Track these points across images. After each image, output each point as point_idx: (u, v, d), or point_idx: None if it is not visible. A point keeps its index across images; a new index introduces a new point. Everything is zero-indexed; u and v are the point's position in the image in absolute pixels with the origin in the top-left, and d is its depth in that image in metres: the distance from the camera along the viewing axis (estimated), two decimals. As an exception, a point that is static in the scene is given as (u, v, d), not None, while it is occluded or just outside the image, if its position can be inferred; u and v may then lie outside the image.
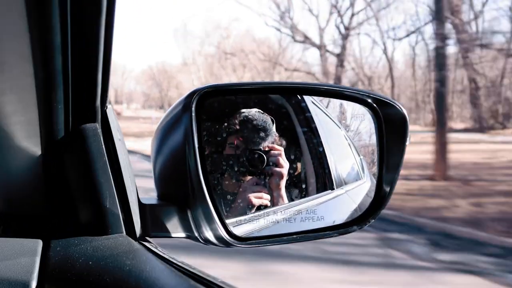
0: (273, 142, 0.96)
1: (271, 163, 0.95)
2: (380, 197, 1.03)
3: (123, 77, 73.29)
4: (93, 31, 0.74)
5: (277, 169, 0.96)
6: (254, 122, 0.95)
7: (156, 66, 67.41)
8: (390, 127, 1.00)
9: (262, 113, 0.96)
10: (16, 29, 0.70)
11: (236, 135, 0.94)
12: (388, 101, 0.99)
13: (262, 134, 0.95)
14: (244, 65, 46.93)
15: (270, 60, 43.60)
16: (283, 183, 0.97)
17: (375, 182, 1.09)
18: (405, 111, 0.97)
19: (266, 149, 0.95)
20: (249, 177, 0.95)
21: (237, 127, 0.95)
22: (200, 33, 55.34)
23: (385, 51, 40.21)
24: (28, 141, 0.87)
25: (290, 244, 0.95)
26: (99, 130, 0.87)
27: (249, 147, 0.94)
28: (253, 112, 0.96)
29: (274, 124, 0.97)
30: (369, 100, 1.00)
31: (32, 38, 0.70)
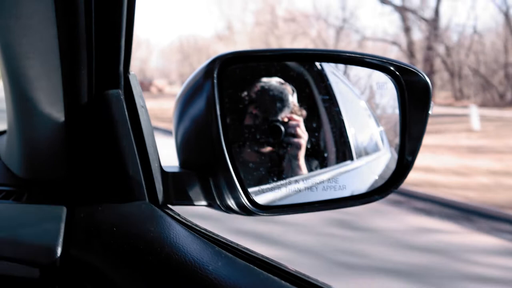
0: (292, 112, 0.96)
1: (289, 134, 0.95)
2: (402, 167, 1.02)
3: (147, 52, 67.73)
4: None
5: (295, 139, 0.96)
6: (271, 93, 0.95)
7: (186, 39, 61.40)
8: (413, 95, 0.99)
9: (283, 83, 0.96)
10: None
11: (254, 105, 0.94)
12: (411, 68, 0.98)
13: (279, 104, 0.95)
14: (305, 33, 41.65)
15: (336, 27, 39.05)
16: (301, 153, 0.97)
17: (394, 153, 1.09)
18: (428, 79, 0.96)
19: (285, 119, 0.95)
20: (268, 148, 0.95)
21: (255, 97, 0.95)
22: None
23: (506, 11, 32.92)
24: (51, 106, 0.87)
25: (312, 212, 0.95)
26: (122, 96, 0.87)
27: (268, 117, 0.94)
28: (271, 82, 0.95)
29: (295, 94, 0.97)
30: (392, 68, 0.99)
31: (56, 1, 0.70)
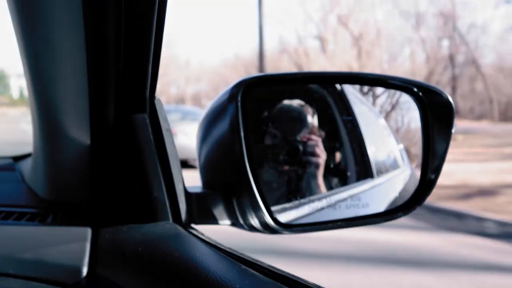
0: (311, 133, 0.97)
1: (308, 153, 0.96)
2: (425, 184, 1.03)
3: (185, 75, 56.64)
4: (145, 22, 0.75)
5: (314, 158, 0.97)
6: (290, 114, 0.96)
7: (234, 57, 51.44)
8: (436, 115, 1.00)
9: (303, 105, 0.97)
10: (71, 19, 0.71)
11: (273, 125, 0.95)
12: (434, 89, 0.99)
13: (297, 125, 0.96)
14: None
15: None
16: (319, 172, 0.98)
17: (414, 170, 1.09)
18: (450, 99, 0.97)
19: (304, 139, 0.96)
20: (286, 167, 0.96)
21: (275, 117, 0.96)
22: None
23: None
24: (77, 129, 0.88)
25: (336, 230, 0.96)
26: (148, 120, 0.89)
27: (287, 137, 0.95)
28: (291, 104, 0.97)
29: (316, 115, 0.98)
30: (415, 89, 1.00)
31: (86, 27, 0.71)
